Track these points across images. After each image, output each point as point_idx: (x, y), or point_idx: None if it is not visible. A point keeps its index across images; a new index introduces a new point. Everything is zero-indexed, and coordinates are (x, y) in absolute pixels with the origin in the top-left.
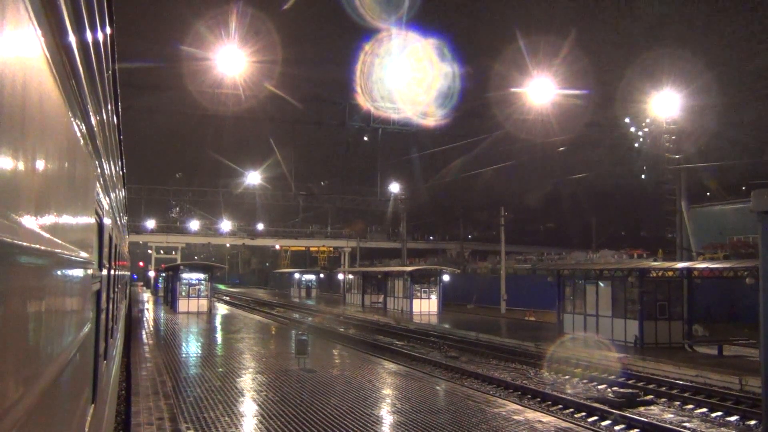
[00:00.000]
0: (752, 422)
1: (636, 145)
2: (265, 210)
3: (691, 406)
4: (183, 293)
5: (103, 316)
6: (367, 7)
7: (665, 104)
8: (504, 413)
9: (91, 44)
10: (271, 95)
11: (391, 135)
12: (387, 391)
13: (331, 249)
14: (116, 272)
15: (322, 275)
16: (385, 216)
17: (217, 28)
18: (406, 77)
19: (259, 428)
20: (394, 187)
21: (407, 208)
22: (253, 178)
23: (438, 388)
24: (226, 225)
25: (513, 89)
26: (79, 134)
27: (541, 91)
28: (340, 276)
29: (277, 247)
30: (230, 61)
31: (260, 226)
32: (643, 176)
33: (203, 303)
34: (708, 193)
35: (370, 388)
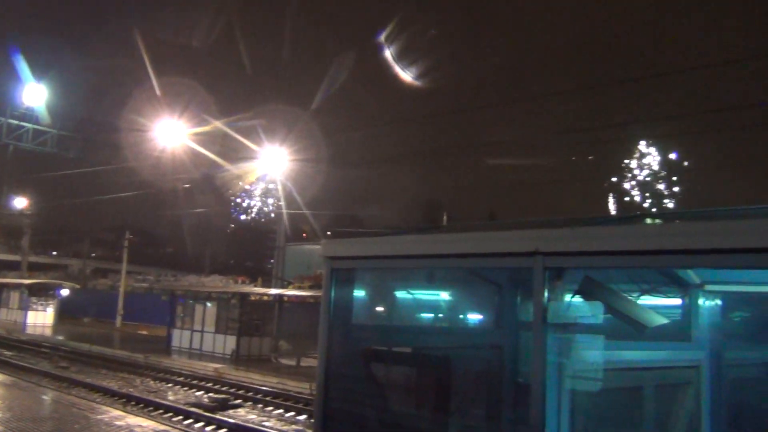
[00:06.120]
0: None
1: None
2: None
3: (270, 408)
4: None
5: None
6: None
7: (275, 162)
8: (107, 419)
9: None
10: None
11: (27, 152)
12: None
13: None
14: None
15: None
16: (8, 229)
17: None
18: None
19: None
20: (20, 202)
21: (32, 224)
22: None
23: (45, 397)
24: None
25: (143, 131)
26: None
27: (170, 134)
28: None
29: None
30: None
31: None
32: (251, 217)
33: None
34: (303, 234)
35: None
